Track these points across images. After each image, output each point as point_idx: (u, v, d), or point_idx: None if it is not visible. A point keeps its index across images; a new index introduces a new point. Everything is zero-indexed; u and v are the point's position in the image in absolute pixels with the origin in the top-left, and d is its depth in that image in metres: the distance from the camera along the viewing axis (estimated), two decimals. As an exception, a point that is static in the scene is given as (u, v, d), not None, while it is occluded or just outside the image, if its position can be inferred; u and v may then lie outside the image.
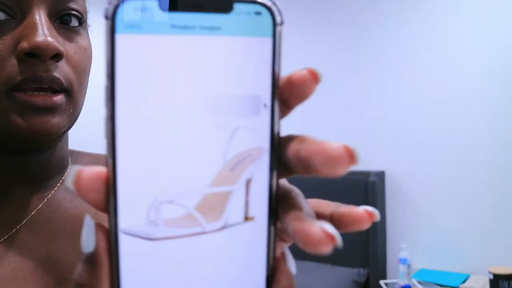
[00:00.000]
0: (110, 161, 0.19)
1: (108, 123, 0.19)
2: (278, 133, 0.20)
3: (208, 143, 0.20)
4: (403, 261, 2.25)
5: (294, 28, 2.71)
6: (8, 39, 0.39)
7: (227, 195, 0.20)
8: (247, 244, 0.21)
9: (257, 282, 0.21)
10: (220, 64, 0.20)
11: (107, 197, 0.20)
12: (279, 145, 0.20)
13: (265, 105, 0.20)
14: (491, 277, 1.97)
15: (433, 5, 2.36)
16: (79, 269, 0.20)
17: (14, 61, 0.39)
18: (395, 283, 2.28)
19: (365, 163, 2.38)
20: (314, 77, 0.20)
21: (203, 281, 0.20)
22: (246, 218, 0.21)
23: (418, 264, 2.39)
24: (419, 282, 2.21)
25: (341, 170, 0.19)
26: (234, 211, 0.20)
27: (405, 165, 2.45)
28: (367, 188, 2.38)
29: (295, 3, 2.75)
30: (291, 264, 0.21)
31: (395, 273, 2.35)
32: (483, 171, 2.23)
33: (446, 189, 2.33)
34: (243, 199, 0.20)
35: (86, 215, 0.21)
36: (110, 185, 0.19)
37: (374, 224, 0.55)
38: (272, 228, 0.21)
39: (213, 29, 0.19)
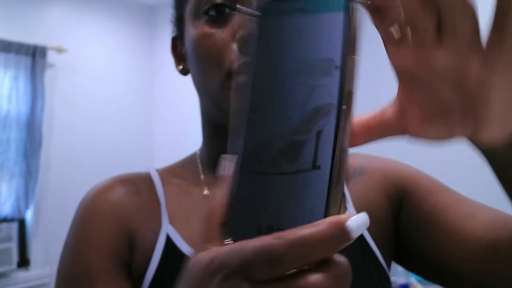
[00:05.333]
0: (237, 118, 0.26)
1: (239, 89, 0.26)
2: (350, 91, 0.24)
3: (294, 99, 0.24)
4: (402, 259, 2.28)
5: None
6: (229, 28, 0.47)
7: (302, 144, 0.24)
8: (312, 188, 0.24)
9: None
10: (306, 35, 0.24)
11: (229, 145, 0.26)
12: (348, 102, 0.24)
13: (336, 67, 0.24)
14: (488, 276, 2.01)
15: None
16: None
17: (234, 46, 0.46)
18: (393, 282, 2.31)
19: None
20: None
21: (277, 205, 0.24)
22: (314, 167, 0.24)
23: (416, 263, 2.43)
24: (417, 281, 2.24)
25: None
26: (306, 158, 0.24)
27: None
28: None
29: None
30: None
31: (394, 271, 2.38)
32: (481, 170, 2.27)
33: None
34: (313, 148, 0.24)
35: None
36: (234, 136, 0.26)
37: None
38: (334, 177, 0.23)
39: (302, 10, 0.25)
